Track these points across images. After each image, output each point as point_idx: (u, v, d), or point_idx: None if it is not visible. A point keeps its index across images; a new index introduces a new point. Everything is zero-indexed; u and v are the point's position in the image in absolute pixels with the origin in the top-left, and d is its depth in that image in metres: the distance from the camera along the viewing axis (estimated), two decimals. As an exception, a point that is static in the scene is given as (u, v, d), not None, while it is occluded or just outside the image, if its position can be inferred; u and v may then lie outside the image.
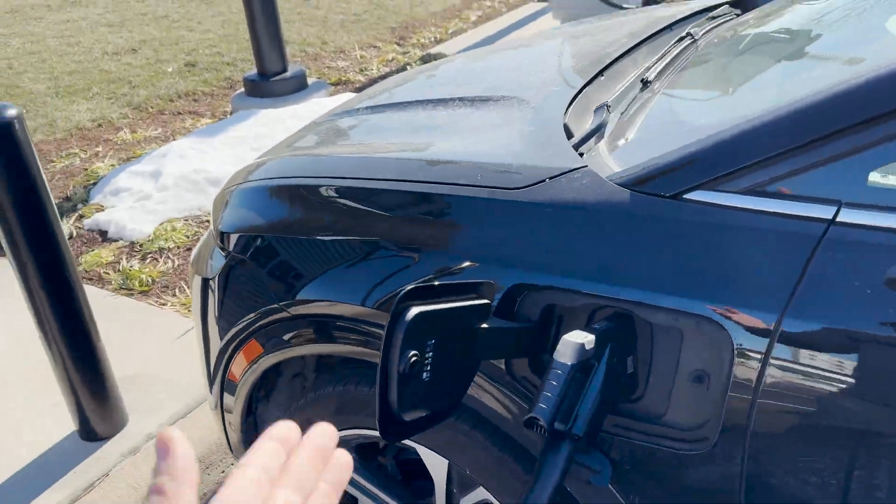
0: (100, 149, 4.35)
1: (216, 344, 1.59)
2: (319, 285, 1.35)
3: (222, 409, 1.66)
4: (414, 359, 0.84)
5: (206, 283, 1.60)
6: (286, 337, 1.42)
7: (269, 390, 1.63)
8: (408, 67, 5.44)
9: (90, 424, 2.14)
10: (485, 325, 0.95)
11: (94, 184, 3.85)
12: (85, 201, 3.70)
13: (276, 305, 1.41)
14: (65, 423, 2.21)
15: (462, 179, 1.19)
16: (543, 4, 7.32)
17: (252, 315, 1.45)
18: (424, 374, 0.87)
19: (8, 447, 2.17)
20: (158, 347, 2.57)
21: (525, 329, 1.02)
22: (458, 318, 0.91)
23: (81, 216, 3.55)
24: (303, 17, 7.18)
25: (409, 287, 0.86)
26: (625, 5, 5.13)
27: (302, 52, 6.08)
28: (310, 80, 5.00)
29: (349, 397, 1.41)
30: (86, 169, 4.06)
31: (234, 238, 1.52)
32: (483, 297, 0.97)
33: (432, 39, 6.40)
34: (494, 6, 7.45)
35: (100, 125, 4.72)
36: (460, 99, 1.64)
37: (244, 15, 4.66)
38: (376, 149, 1.51)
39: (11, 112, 1.81)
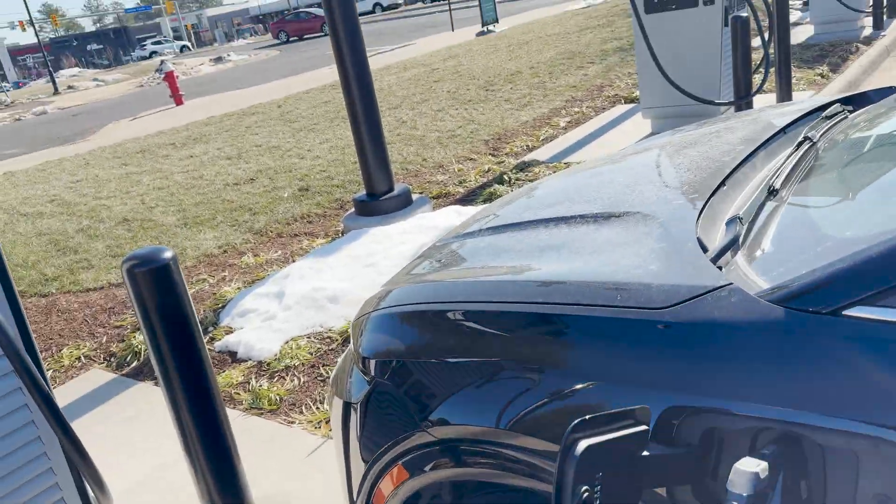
0: (226, 273, 4.67)
1: (358, 468, 1.63)
2: (453, 408, 1.38)
3: (364, 534, 1.68)
4: (585, 494, 0.85)
5: (347, 406, 1.67)
6: (427, 462, 1.45)
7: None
8: (504, 176, 5.61)
9: (232, 547, 2.20)
10: (646, 453, 0.95)
11: (223, 307, 4.10)
12: (215, 324, 3.94)
13: (417, 430, 1.45)
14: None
15: (599, 300, 1.22)
16: (631, 105, 7.46)
17: (395, 440, 1.49)
18: None
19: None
20: (290, 467, 2.65)
21: (685, 455, 1.01)
22: (621, 448, 0.92)
23: (212, 339, 3.78)
24: (402, 138, 7.59)
25: (576, 421, 0.88)
26: (716, 101, 5.16)
27: (403, 170, 6.40)
28: (413, 196, 5.23)
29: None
30: (214, 293, 4.35)
31: (373, 363, 1.59)
32: (641, 423, 0.98)
33: (525, 147, 6.60)
34: (582, 111, 7.64)
35: (225, 251, 5.08)
36: (581, 216, 1.69)
37: (349, 140, 5.00)
38: (499, 271, 1.56)
39: (168, 254, 1.99)
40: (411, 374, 1.50)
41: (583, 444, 0.86)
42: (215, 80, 22.93)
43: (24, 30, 50.02)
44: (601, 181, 2.04)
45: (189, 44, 66.83)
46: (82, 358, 3.90)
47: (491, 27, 19.82)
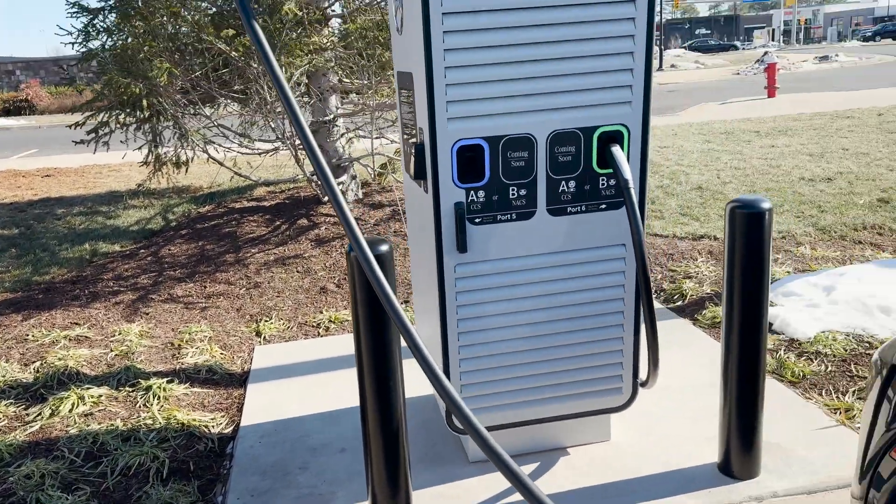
0: (779, 256, 4.88)
1: (880, 437, 1.80)
2: None
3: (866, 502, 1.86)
4: None
5: (893, 369, 1.84)
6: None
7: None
8: None
9: (730, 462, 2.59)
10: None
11: (770, 283, 4.36)
12: (757, 295, 4.24)
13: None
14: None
15: None
16: None
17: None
18: None
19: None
20: (798, 430, 2.87)
21: None
22: None
23: (751, 306, 4.10)
24: None
25: None
26: None
27: None
28: None
29: None
30: (763, 270, 4.63)
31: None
32: None
33: None
34: None
35: (784, 237, 5.26)
36: None
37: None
38: None
39: (766, 205, 2.39)
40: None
41: None
42: (815, 78, 22.01)
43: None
44: None
45: (794, 39, 64.44)
46: (638, 285, 4.67)
47: None
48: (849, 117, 11.39)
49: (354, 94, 6.32)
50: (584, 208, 2.53)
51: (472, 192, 2.44)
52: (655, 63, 38.32)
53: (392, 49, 2.95)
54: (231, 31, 4.58)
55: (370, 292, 2.16)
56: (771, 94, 16.68)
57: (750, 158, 8.13)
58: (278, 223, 5.81)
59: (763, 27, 74.96)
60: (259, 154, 6.04)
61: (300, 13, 4.82)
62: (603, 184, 2.53)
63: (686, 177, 7.32)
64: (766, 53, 22.85)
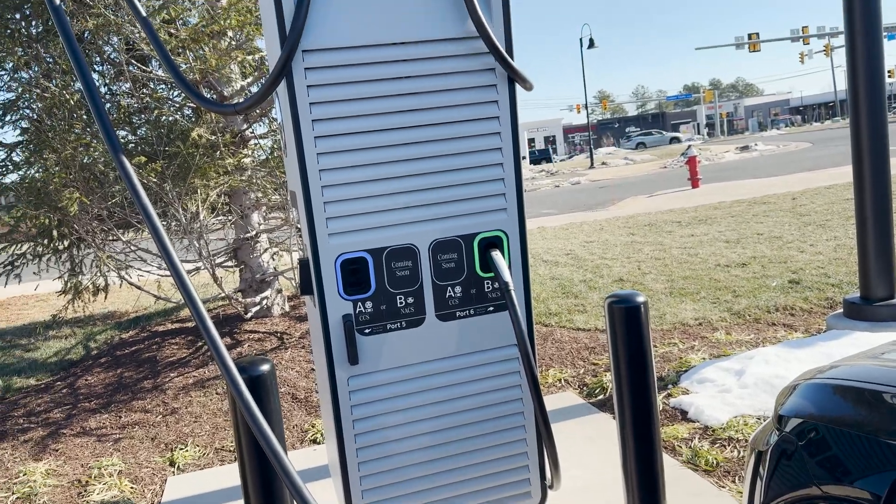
0: (695, 343, 4.99)
1: (758, 510, 1.83)
2: (860, 474, 1.51)
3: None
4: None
5: (759, 455, 1.89)
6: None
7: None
8: None
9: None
10: None
11: (685, 371, 4.44)
12: (675, 383, 4.31)
13: (814, 486, 1.60)
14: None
15: None
16: None
17: (792, 489, 1.67)
18: None
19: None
20: (709, 520, 2.85)
21: None
22: None
23: (669, 395, 4.15)
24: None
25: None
26: None
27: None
28: (920, 310, 4.74)
29: None
30: (680, 357, 4.71)
31: (791, 421, 1.79)
32: None
33: None
34: None
35: (700, 324, 5.40)
36: None
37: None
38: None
39: (640, 299, 2.48)
40: (825, 440, 1.66)
41: None
42: (736, 167, 23.24)
43: (578, 112, 58.04)
44: None
45: (719, 131, 68.40)
46: (562, 380, 4.69)
47: None
48: (765, 203, 11.99)
49: (277, 210, 6.40)
50: (472, 312, 2.58)
51: (359, 303, 2.47)
52: (586, 162, 40.00)
53: (286, 169, 3.05)
54: (143, 158, 4.65)
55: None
56: (695, 185, 17.49)
57: (670, 248, 8.43)
58: (200, 344, 5.71)
59: (689, 122, 79.50)
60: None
61: (213, 137, 4.94)
62: (488, 287, 2.59)
63: (609, 269, 7.53)
64: (688, 147, 24.14)
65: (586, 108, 42.36)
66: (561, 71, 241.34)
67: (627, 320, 2.48)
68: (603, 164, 37.59)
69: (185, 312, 6.96)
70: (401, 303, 2.50)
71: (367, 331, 2.48)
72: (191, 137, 4.38)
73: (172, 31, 4.63)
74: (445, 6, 2.40)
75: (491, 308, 2.60)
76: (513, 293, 2.43)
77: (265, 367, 2.16)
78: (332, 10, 2.30)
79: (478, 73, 2.47)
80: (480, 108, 2.49)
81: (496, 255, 2.52)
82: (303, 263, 2.51)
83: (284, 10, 2.24)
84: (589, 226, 12.02)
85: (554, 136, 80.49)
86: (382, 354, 2.51)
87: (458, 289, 2.55)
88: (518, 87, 2.54)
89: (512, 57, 2.47)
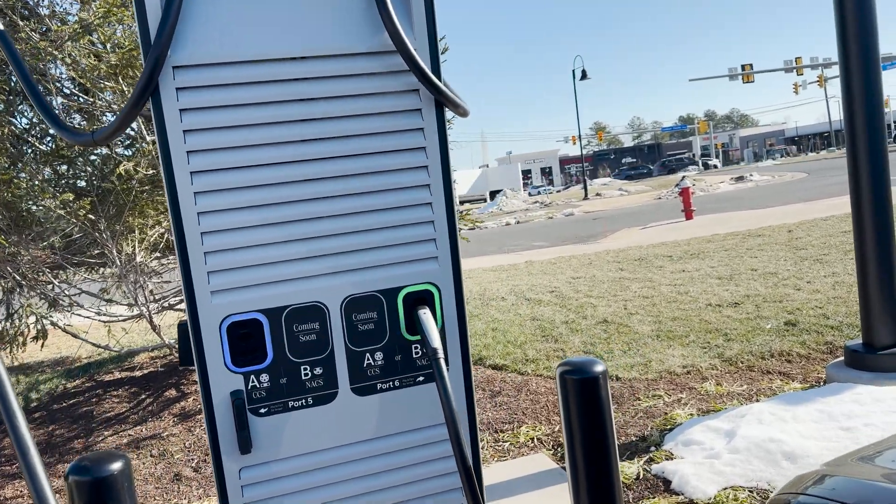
0: (683, 395, 4.51)
1: None
2: None
3: None
4: None
5: None
6: None
7: None
8: None
9: None
10: None
11: (670, 430, 3.96)
12: (658, 445, 3.82)
13: None
14: None
15: None
16: None
17: None
18: None
19: None
20: None
21: None
22: None
23: (651, 459, 3.66)
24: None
25: None
26: None
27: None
28: (930, 358, 4.27)
29: None
30: (666, 413, 4.23)
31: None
32: None
33: None
34: None
35: (688, 372, 4.93)
36: None
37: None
38: None
39: (599, 368, 2.02)
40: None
41: None
42: (731, 198, 22.88)
43: (574, 143, 58.04)
44: None
45: (716, 161, 68.40)
46: (535, 440, 4.20)
47: None
48: (760, 235, 11.56)
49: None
50: (396, 384, 2.12)
51: (252, 376, 2.00)
52: (580, 193, 39.63)
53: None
54: (70, 195, 4.21)
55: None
56: (688, 217, 17.10)
57: (659, 286, 7.97)
58: (144, 396, 5.22)
59: (684, 153, 79.60)
60: (123, 320, 5.53)
61: (151, 171, 4.51)
62: (416, 352, 2.13)
63: (593, 309, 7.06)
64: (683, 178, 23.83)
65: (579, 139, 42.23)
66: (559, 103, 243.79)
67: (582, 394, 2.02)
68: (597, 194, 37.31)
69: (138, 358, 6.46)
70: (306, 374, 2.04)
71: (262, 410, 2.01)
72: (117, 172, 3.94)
73: (104, 54, 4.23)
74: (356, 13, 1.98)
75: (421, 378, 2.14)
76: (442, 362, 1.96)
77: (116, 466, 1.69)
78: (212, 18, 1.88)
79: (397, 94, 2.04)
80: (402, 136, 2.06)
81: (424, 313, 2.07)
82: (181, 327, 2.05)
83: (149, 15, 1.82)
84: (577, 260, 11.57)
85: (550, 168, 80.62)
86: (283, 440, 2.04)
87: (378, 355, 2.10)
88: (456, 114, 2.12)
89: (439, 76, 2.04)
